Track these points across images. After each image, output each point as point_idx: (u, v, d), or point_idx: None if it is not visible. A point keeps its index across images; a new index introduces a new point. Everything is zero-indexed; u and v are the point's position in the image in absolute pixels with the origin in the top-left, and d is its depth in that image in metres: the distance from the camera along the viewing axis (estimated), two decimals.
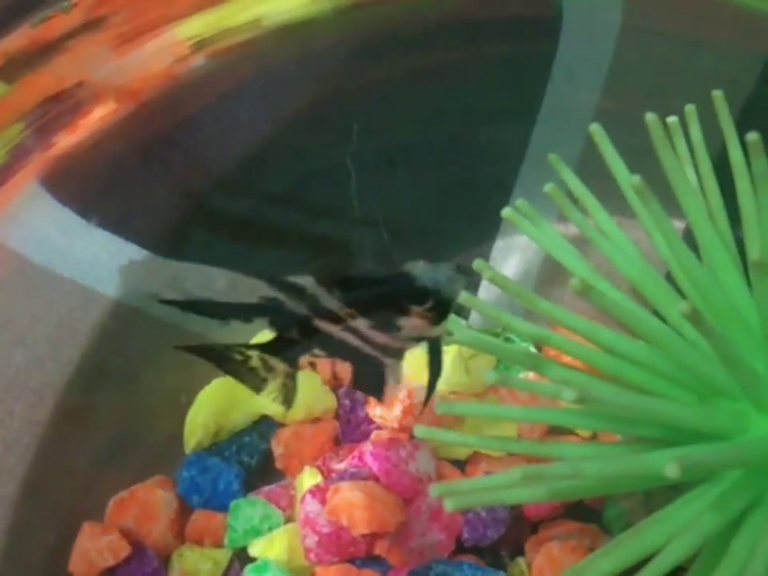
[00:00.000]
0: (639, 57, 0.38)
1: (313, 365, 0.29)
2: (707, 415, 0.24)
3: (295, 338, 0.27)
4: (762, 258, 0.22)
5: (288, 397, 0.28)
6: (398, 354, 0.27)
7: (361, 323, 0.27)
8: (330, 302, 0.26)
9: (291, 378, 0.28)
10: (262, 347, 0.28)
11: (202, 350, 0.28)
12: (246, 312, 0.27)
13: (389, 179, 0.38)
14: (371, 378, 0.28)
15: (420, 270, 0.27)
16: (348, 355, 0.28)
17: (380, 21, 0.40)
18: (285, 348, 0.28)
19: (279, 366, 0.28)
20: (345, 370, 0.33)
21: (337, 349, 0.27)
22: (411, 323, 0.27)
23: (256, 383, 0.28)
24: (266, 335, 0.35)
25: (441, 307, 0.26)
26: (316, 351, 0.28)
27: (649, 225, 0.27)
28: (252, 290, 0.27)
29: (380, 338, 0.27)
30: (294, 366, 0.28)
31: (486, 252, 0.38)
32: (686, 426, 0.24)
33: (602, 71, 0.38)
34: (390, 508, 0.30)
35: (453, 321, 0.36)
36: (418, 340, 0.27)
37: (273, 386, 0.28)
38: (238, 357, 0.28)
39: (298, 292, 0.26)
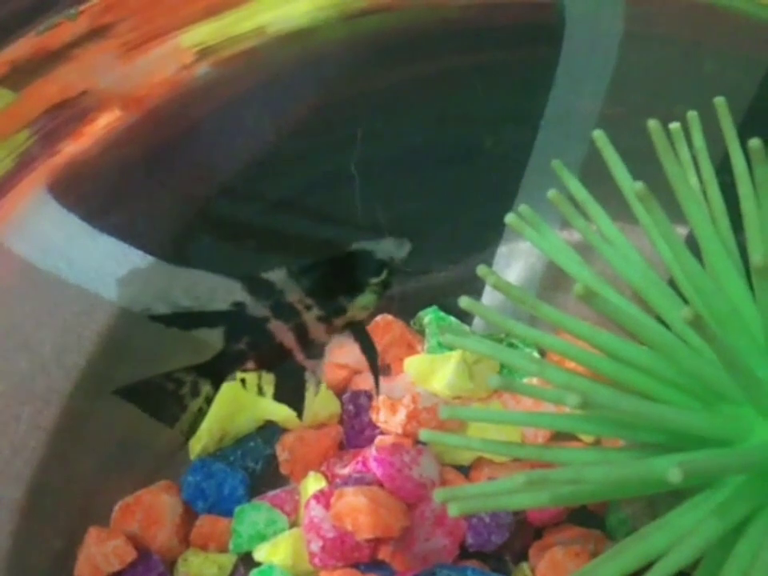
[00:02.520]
0: (642, 63, 0.38)
1: (243, 381, 0.31)
2: (710, 421, 0.24)
3: (241, 349, 0.29)
4: (765, 263, 0.22)
5: (193, 426, 0.29)
6: (320, 354, 0.30)
7: (311, 316, 0.29)
8: (294, 293, 0.28)
9: (208, 403, 0.29)
10: (200, 368, 0.29)
11: (129, 391, 0.29)
12: (213, 320, 0.28)
13: (393, 185, 0.38)
14: (292, 389, 0.30)
15: (374, 245, 0.29)
16: (277, 365, 0.30)
17: (384, 28, 0.40)
18: (223, 364, 0.29)
19: (205, 388, 0.29)
20: (269, 383, 0.34)
21: (270, 358, 0.29)
22: (360, 302, 0.29)
23: (174, 415, 0.29)
24: None
25: (391, 277, 0.29)
26: (248, 365, 0.29)
27: (652, 231, 0.27)
28: (228, 292, 0.28)
29: (320, 331, 0.29)
30: (218, 387, 0.29)
31: (489, 258, 0.38)
32: (689, 431, 0.24)
33: (604, 78, 0.38)
34: (393, 513, 0.30)
35: (457, 326, 0.37)
36: (345, 327, 0.29)
37: (186, 416, 0.29)
38: (170, 385, 0.29)
39: (266, 290, 0.28)
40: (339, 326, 0.29)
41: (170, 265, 0.36)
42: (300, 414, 0.32)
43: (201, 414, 0.29)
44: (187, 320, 0.28)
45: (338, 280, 0.29)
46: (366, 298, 0.29)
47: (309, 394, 0.30)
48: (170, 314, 0.28)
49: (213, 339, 0.29)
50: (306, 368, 0.30)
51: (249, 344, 0.29)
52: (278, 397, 0.33)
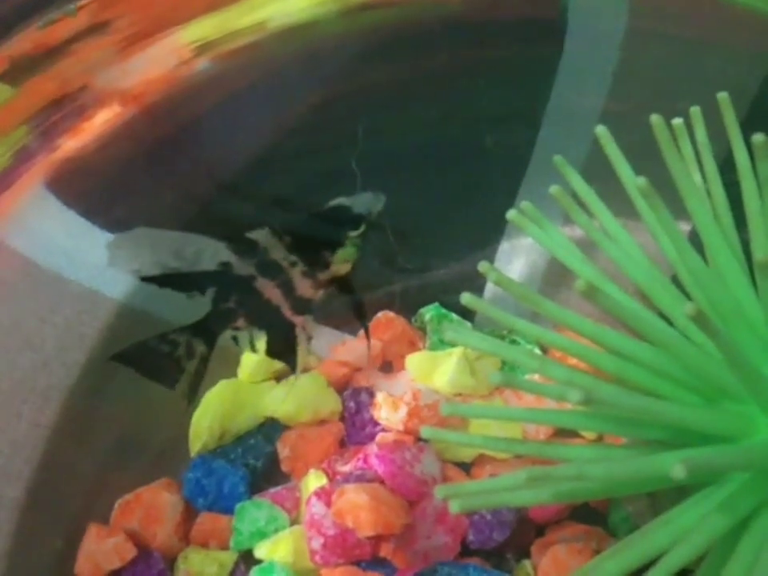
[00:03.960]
0: (645, 59, 0.38)
1: (235, 339, 0.31)
2: (713, 417, 0.24)
3: (231, 307, 0.30)
4: None
5: (193, 387, 0.31)
6: (310, 310, 0.31)
7: (297, 272, 0.30)
8: (278, 250, 0.29)
9: (205, 363, 0.30)
10: (192, 328, 0.30)
11: (126, 355, 0.30)
12: (199, 282, 0.30)
13: (394, 182, 0.38)
14: (283, 344, 0.31)
15: (351, 200, 0.31)
16: (267, 321, 0.31)
17: (385, 23, 0.40)
18: (213, 323, 0.30)
19: (199, 348, 0.30)
20: (260, 339, 0.34)
21: (259, 315, 0.30)
22: (341, 255, 0.30)
23: (173, 376, 0.30)
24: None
25: (369, 230, 0.31)
26: (239, 323, 0.30)
27: (654, 227, 0.27)
28: (214, 253, 0.29)
29: (306, 287, 0.30)
30: (212, 346, 0.30)
31: (491, 254, 0.38)
32: (692, 428, 0.24)
33: (607, 74, 0.38)
34: (395, 510, 0.31)
35: (458, 323, 0.37)
36: (330, 282, 0.31)
37: (185, 377, 0.30)
38: (165, 347, 0.30)
39: (250, 249, 0.29)
40: (324, 281, 0.31)
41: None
42: (293, 368, 0.32)
43: (198, 375, 0.30)
44: (177, 281, 0.29)
45: (319, 235, 0.30)
46: (347, 251, 0.30)
47: (300, 349, 0.31)
48: (160, 276, 0.29)
49: (202, 300, 0.30)
50: (296, 324, 0.31)
51: (237, 302, 0.30)
52: (270, 352, 0.33)
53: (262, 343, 0.33)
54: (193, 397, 0.31)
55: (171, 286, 0.29)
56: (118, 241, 0.29)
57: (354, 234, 0.31)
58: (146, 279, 0.29)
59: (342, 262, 0.31)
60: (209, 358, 0.30)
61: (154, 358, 0.30)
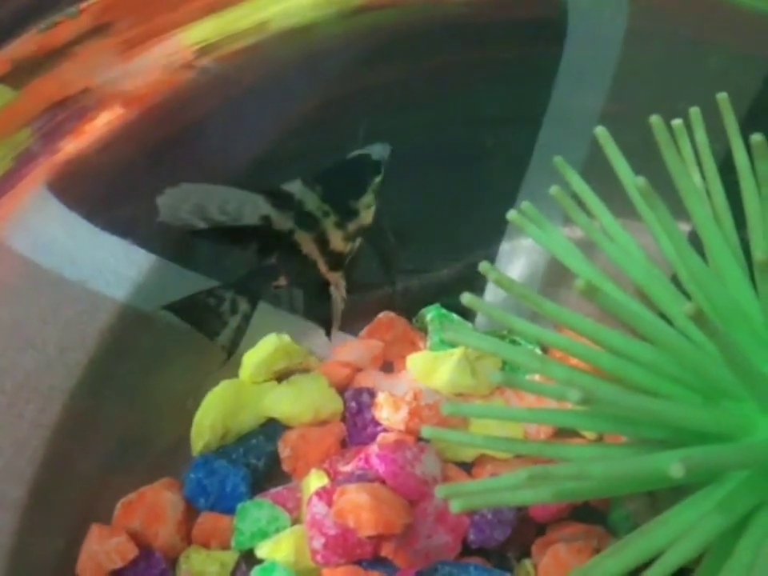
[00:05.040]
0: (644, 60, 0.38)
1: (277, 297, 0.34)
2: (713, 417, 0.24)
3: (273, 264, 0.31)
4: (767, 259, 0.22)
5: (234, 342, 0.32)
6: (342, 265, 0.32)
7: (330, 223, 0.31)
8: (312, 201, 0.31)
9: (247, 321, 0.31)
10: (237, 285, 0.31)
11: (176, 306, 0.31)
12: (244, 237, 0.31)
13: (395, 183, 0.38)
14: (319, 303, 0.33)
15: (368, 149, 0.33)
16: (305, 279, 0.32)
17: (385, 25, 0.41)
18: (257, 280, 0.32)
19: (243, 306, 0.31)
20: (299, 299, 0.36)
21: (298, 272, 0.32)
22: (367, 201, 0.32)
23: (215, 329, 0.31)
24: (272, 340, 0.36)
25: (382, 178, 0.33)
26: (280, 281, 0.32)
27: (654, 227, 0.27)
28: (255, 206, 0.30)
29: (338, 240, 0.32)
30: (255, 304, 0.31)
31: (491, 254, 0.38)
32: (691, 427, 0.24)
33: (607, 74, 0.38)
34: (396, 510, 0.31)
35: (459, 324, 0.37)
36: (357, 234, 0.32)
37: (226, 331, 0.31)
38: (212, 301, 0.31)
39: (287, 202, 0.31)
40: (353, 232, 0.32)
41: (171, 262, 0.36)
42: (328, 334, 0.33)
43: (240, 331, 0.31)
44: (223, 235, 0.30)
45: (346, 183, 0.32)
46: (369, 197, 0.32)
47: (335, 308, 0.33)
48: (208, 230, 0.30)
49: (247, 256, 0.31)
50: (330, 282, 0.32)
51: (279, 258, 0.31)
52: (308, 313, 0.35)
53: (300, 303, 0.35)
54: (233, 350, 0.32)
55: (219, 240, 0.31)
56: (167, 197, 0.30)
57: (377, 179, 0.32)
58: (196, 234, 0.30)
59: (365, 208, 0.32)
60: (251, 316, 0.31)
61: (200, 309, 0.31)
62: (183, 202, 0.30)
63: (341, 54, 0.40)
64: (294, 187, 0.31)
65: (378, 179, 0.32)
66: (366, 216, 0.32)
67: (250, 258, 0.32)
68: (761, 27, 0.38)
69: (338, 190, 0.32)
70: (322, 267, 0.32)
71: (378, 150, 0.33)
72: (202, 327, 0.31)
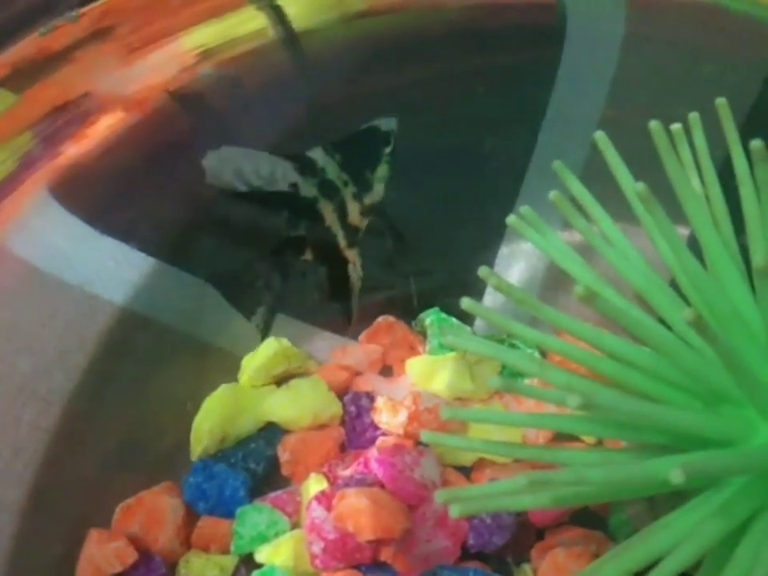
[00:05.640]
0: (643, 65, 0.38)
1: (303, 275, 0.35)
2: (712, 422, 0.24)
3: (301, 235, 0.33)
4: (766, 264, 0.22)
5: (267, 322, 0.33)
6: (357, 242, 0.34)
7: (349, 194, 0.33)
8: (333, 169, 0.33)
9: (278, 299, 0.33)
10: (271, 257, 0.33)
11: (220, 280, 0.33)
12: (276, 203, 0.33)
13: (395, 186, 0.38)
14: (340, 284, 0.34)
15: (377, 122, 0.35)
16: (327, 254, 0.34)
17: (385, 30, 0.41)
18: (287, 253, 0.33)
19: (275, 283, 0.33)
20: (324, 280, 0.36)
21: (322, 247, 0.33)
22: (380, 173, 0.34)
23: (251, 308, 0.33)
24: (271, 344, 0.36)
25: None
26: (307, 255, 0.33)
27: (653, 232, 0.27)
28: (285, 172, 0.33)
29: (355, 213, 0.34)
30: (286, 279, 0.33)
31: (490, 259, 0.38)
32: (690, 432, 0.24)
33: (606, 79, 0.38)
34: (395, 514, 0.31)
35: (458, 328, 0.37)
36: (371, 211, 0.34)
37: (260, 310, 0.33)
38: (247, 277, 0.33)
39: (312, 168, 0.33)
40: (367, 207, 0.34)
41: (170, 266, 0.36)
42: (349, 319, 0.35)
43: (272, 311, 0.33)
44: (261, 199, 0.32)
45: (362, 152, 0.34)
46: (383, 168, 0.34)
47: (354, 290, 0.34)
48: (248, 193, 0.32)
49: (278, 224, 0.33)
50: (349, 260, 0.34)
51: (306, 229, 0.33)
52: (329, 293, 0.35)
53: (325, 281, 0.35)
54: (266, 332, 0.33)
55: (257, 203, 0.33)
56: (210, 159, 0.33)
57: (387, 149, 0.35)
58: (238, 196, 0.32)
59: (379, 180, 0.34)
60: (282, 293, 0.33)
61: (238, 285, 0.32)
62: (226, 164, 0.32)
63: (341, 58, 0.40)
64: (317, 154, 0.33)
65: (388, 149, 0.34)
66: (379, 190, 0.34)
67: (248, 254, 0.33)
68: (759, 33, 0.38)
69: (356, 158, 0.34)
70: (342, 242, 0.33)
71: (386, 122, 0.35)
72: (237, 303, 0.33)
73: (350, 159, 0.34)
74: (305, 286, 0.35)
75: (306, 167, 0.33)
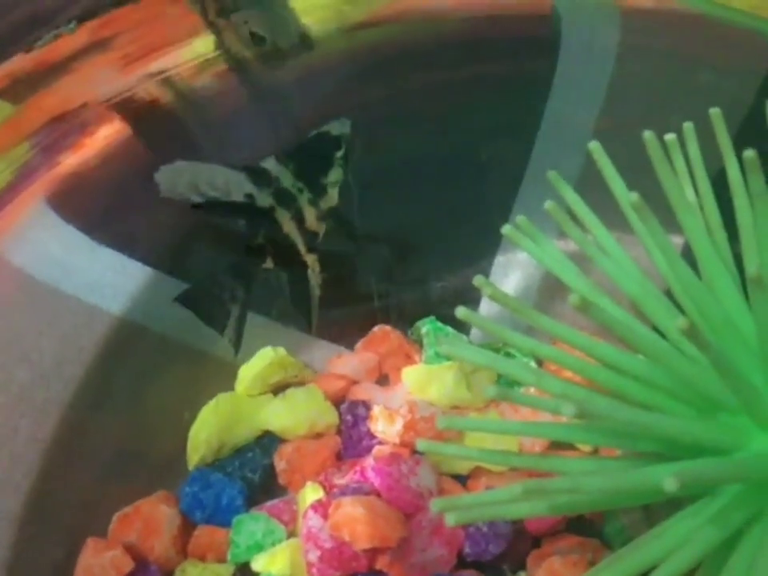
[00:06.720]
0: (637, 75, 0.38)
1: (267, 281, 0.35)
2: (706, 430, 0.24)
3: (261, 244, 0.33)
4: (760, 273, 0.22)
5: (238, 334, 0.33)
6: (316, 248, 0.35)
7: (304, 200, 0.34)
8: (287, 178, 0.33)
9: (245, 309, 0.33)
10: (233, 268, 0.33)
11: (188, 297, 0.33)
12: (233, 212, 0.33)
13: (391, 196, 0.38)
14: (301, 289, 0.35)
15: (328, 126, 0.35)
16: (287, 260, 0.34)
17: (383, 41, 0.41)
18: (249, 262, 0.34)
19: (240, 293, 0.33)
20: (285, 281, 0.36)
21: (282, 252, 0.34)
22: (333, 177, 0.35)
23: (221, 320, 0.33)
24: (267, 353, 0.36)
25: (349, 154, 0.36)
26: (268, 263, 0.34)
27: (647, 241, 0.27)
28: (239, 184, 0.33)
29: (312, 218, 0.34)
30: (250, 289, 0.33)
31: (486, 268, 0.38)
32: (685, 440, 0.24)
33: (600, 89, 0.38)
34: (391, 523, 0.30)
35: (454, 337, 0.37)
36: (329, 214, 0.35)
37: (231, 322, 0.33)
38: (215, 290, 0.33)
39: (266, 178, 0.33)
40: (325, 211, 0.35)
41: (168, 275, 0.36)
42: (309, 325, 0.35)
43: (241, 322, 0.33)
44: (217, 209, 0.33)
45: (314, 159, 0.35)
46: (336, 172, 0.35)
47: (313, 294, 0.35)
48: (205, 203, 0.33)
49: (238, 233, 0.34)
50: (308, 264, 0.34)
51: (265, 237, 0.33)
52: (291, 299, 0.35)
53: (286, 286, 0.35)
54: (238, 345, 0.33)
55: (215, 213, 0.33)
56: (163, 173, 0.33)
57: (338, 153, 0.35)
58: (195, 207, 0.33)
59: (334, 186, 0.35)
60: (248, 303, 0.33)
61: (206, 299, 0.33)
62: (179, 178, 0.33)
63: (340, 68, 0.40)
64: (270, 164, 0.34)
65: (339, 153, 0.35)
66: (333, 194, 0.35)
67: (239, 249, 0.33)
68: (751, 43, 0.38)
69: (308, 165, 0.34)
70: (301, 248, 0.34)
71: (337, 126, 0.35)
72: (209, 320, 0.33)
73: (303, 166, 0.34)
74: (269, 294, 0.35)
75: (260, 177, 0.33)
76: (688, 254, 0.26)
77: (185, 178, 0.32)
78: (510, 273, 0.38)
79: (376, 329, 0.37)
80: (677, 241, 0.27)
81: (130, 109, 0.38)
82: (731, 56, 0.38)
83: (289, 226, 0.33)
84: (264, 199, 0.33)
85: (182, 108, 0.39)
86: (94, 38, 0.39)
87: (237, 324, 0.33)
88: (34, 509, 0.32)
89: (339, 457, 0.35)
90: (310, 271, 0.34)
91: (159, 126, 0.39)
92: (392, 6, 0.41)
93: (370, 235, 0.38)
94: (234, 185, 0.33)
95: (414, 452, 0.33)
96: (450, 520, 0.23)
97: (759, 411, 0.23)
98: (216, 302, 0.32)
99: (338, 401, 0.36)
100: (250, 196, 0.33)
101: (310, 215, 0.34)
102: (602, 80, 0.38)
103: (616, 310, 0.28)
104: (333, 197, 0.34)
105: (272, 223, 0.33)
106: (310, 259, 0.34)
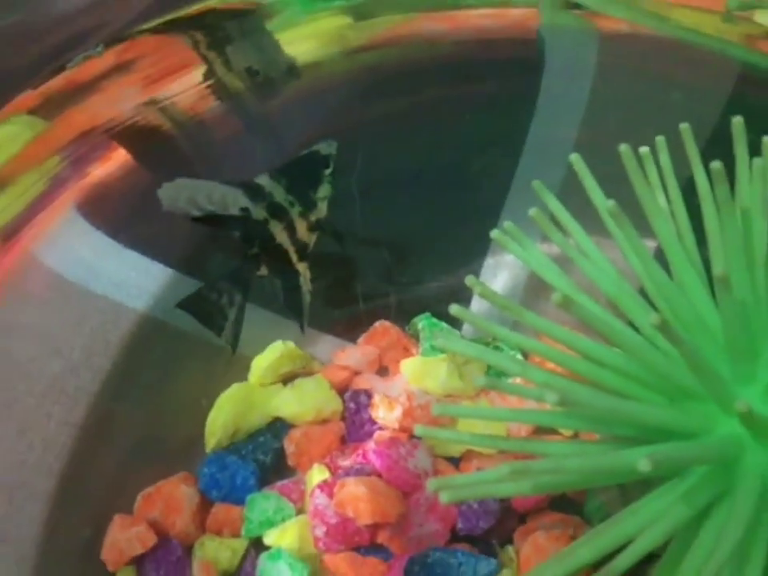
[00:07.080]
0: (614, 93, 0.38)
1: (262, 287, 0.34)
2: (677, 416, 0.24)
3: (256, 253, 0.33)
4: (725, 274, 0.22)
5: (235, 335, 0.33)
6: (307, 256, 0.34)
7: (295, 213, 0.34)
8: (279, 193, 0.33)
9: (242, 312, 0.33)
10: (231, 276, 0.33)
11: (188, 303, 0.32)
12: (231, 225, 0.33)
13: (390, 204, 0.38)
14: (294, 294, 0.34)
15: (317, 146, 0.35)
16: (280, 268, 0.34)
17: (382, 63, 0.41)
18: (245, 270, 0.33)
19: (237, 297, 0.33)
20: (279, 288, 0.36)
21: (275, 261, 0.34)
22: (322, 192, 0.35)
23: (220, 324, 0.33)
24: (278, 347, 0.36)
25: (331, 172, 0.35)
26: (262, 271, 0.33)
27: (623, 245, 0.27)
28: (235, 198, 0.33)
29: (303, 230, 0.34)
30: (246, 295, 0.33)
31: (477, 269, 0.38)
32: (657, 425, 0.24)
33: (580, 106, 0.38)
34: (391, 501, 0.31)
35: (448, 331, 0.37)
36: (318, 226, 0.35)
37: (228, 325, 0.33)
38: (214, 296, 0.32)
39: (260, 194, 0.33)
40: (314, 223, 0.34)
41: (187, 276, 0.36)
42: (302, 327, 0.35)
43: (238, 324, 0.33)
44: (215, 222, 0.33)
45: (304, 175, 0.34)
46: (325, 188, 0.35)
47: (304, 299, 0.34)
48: (203, 216, 0.32)
49: (235, 244, 0.33)
50: (300, 272, 0.34)
51: (260, 246, 0.33)
52: (284, 304, 0.35)
53: (280, 292, 0.35)
54: (235, 345, 0.33)
55: (214, 226, 0.33)
56: (165, 190, 0.32)
57: (327, 171, 0.35)
58: (195, 220, 0.32)
59: (322, 200, 0.35)
60: (244, 308, 0.33)
61: (206, 305, 0.32)
62: (179, 193, 0.32)
63: (342, 88, 0.40)
64: (264, 180, 0.34)
65: (328, 171, 0.35)
66: (322, 208, 0.35)
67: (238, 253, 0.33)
68: (717, 65, 0.38)
69: (299, 181, 0.34)
70: (293, 257, 0.34)
71: (325, 146, 0.35)
72: (209, 323, 0.32)
73: (294, 182, 0.34)
74: (264, 299, 0.35)
75: (255, 192, 0.33)
76: (660, 257, 0.26)
77: (185, 194, 0.32)
78: (499, 273, 0.38)
79: (377, 324, 0.37)
80: (650, 244, 0.27)
81: (135, 132, 0.38)
82: (700, 76, 0.38)
83: (281, 237, 0.33)
84: (258, 212, 0.33)
85: (184, 131, 0.39)
86: (118, 61, 0.39)
87: (234, 326, 0.33)
88: (65, 489, 0.32)
89: (343, 441, 0.35)
90: (301, 278, 0.34)
91: (162, 147, 0.39)
92: (392, 30, 0.41)
93: (372, 240, 0.38)
94: (230, 199, 0.32)
95: (412, 436, 0.33)
96: (444, 498, 0.23)
97: (724, 399, 0.24)
98: (214, 306, 0.32)
99: (342, 390, 0.36)
100: (245, 209, 0.33)
101: (301, 227, 0.34)
102: (582, 98, 0.38)
103: (595, 307, 0.28)
104: (322, 210, 0.35)
105: (266, 234, 0.33)
106: (302, 267, 0.34)
